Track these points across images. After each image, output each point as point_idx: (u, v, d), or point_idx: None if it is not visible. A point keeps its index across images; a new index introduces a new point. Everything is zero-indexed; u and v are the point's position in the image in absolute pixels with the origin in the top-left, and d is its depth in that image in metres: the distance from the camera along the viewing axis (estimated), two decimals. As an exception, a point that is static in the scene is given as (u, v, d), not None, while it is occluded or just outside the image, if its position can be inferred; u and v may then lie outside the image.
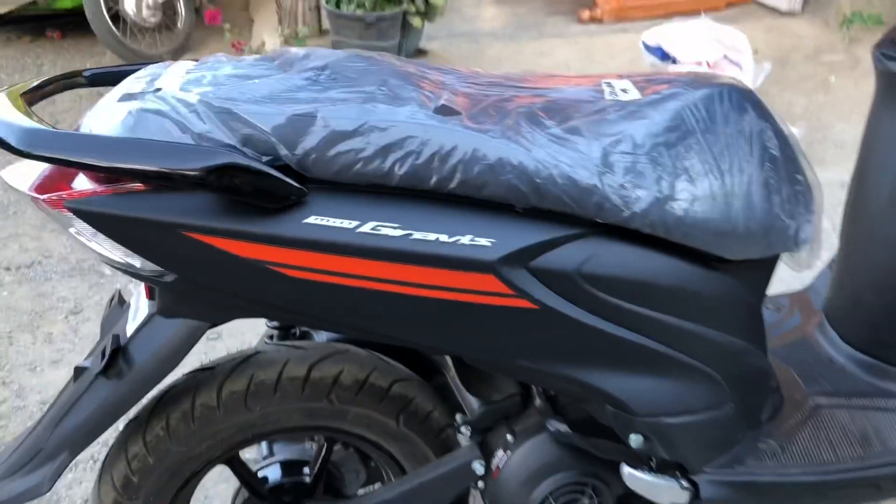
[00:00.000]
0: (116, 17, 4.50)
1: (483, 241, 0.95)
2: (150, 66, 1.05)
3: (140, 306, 1.09)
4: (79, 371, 1.06)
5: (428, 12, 3.95)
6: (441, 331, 1.04)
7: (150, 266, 0.94)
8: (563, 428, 1.19)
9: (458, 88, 1.04)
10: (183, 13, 4.81)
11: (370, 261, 0.94)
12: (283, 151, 0.90)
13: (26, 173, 0.95)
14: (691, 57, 3.60)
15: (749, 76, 3.68)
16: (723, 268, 1.09)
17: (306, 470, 1.31)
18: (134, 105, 0.92)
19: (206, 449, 1.15)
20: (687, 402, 1.14)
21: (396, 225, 0.93)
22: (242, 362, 1.15)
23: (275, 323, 1.34)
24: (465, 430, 1.26)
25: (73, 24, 4.83)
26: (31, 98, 1.00)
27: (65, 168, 0.94)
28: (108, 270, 2.74)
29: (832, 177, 2.89)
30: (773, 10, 4.99)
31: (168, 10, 4.77)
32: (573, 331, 1.03)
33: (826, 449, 1.28)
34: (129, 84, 0.99)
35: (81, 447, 1.06)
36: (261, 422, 1.15)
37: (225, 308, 1.04)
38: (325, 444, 1.28)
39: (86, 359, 1.08)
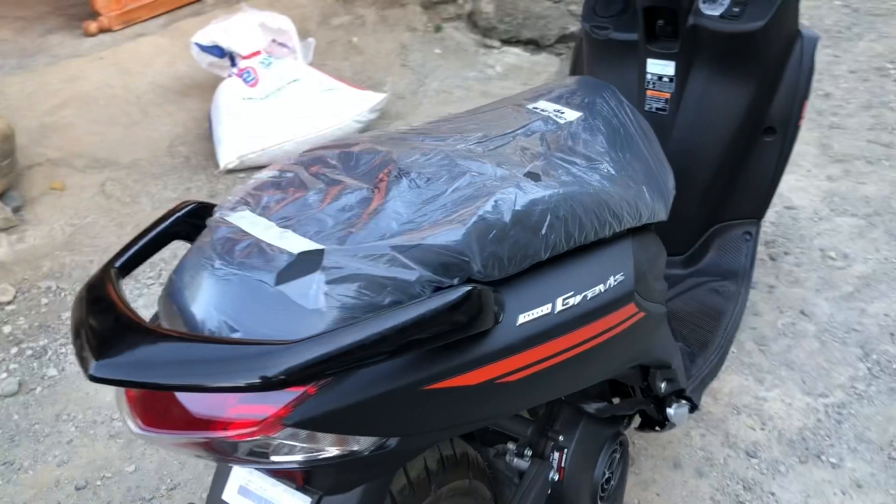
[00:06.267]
0: None
1: (620, 277, 1.09)
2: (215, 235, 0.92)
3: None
4: None
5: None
6: (601, 369, 1.16)
7: (369, 442, 0.87)
8: (601, 404, 1.36)
9: (477, 149, 1.09)
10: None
11: (566, 335, 1.00)
12: (477, 267, 0.88)
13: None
14: (247, 48, 3.61)
15: (300, 54, 3.84)
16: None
17: None
18: (320, 280, 0.81)
19: None
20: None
21: (572, 292, 1.00)
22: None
23: None
24: (528, 452, 1.34)
25: None
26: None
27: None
28: None
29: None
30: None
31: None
32: (656, 322, 1.23)
33: (703, 331, 1.65)
34: (252, 252, 0.86)
35: None
36: None
37: (415, 451, 1.01)
38: None
39: None
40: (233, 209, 0.95)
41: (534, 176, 1.03)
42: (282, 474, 0.95)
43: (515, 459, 1.35)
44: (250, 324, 0.80)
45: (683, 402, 1.53)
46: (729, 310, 1.80)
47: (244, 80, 3.42)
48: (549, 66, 4.24)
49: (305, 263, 0.83)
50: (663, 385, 1.41)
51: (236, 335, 0.80)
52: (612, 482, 1.47)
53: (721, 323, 1.76)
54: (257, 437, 0.78)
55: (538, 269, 0.99)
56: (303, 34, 3.96)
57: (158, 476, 1.97)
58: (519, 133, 1.16)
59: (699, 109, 1.79)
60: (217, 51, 3.57)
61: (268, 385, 0.69)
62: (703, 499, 1.86)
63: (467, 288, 0.83)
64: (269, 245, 0.86)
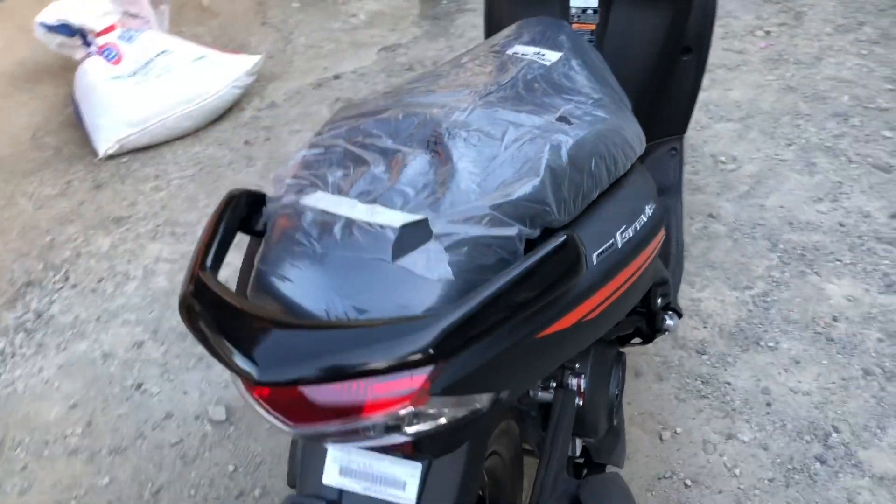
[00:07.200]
0: None
1: (652, 204, 1.15)
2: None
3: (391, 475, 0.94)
4: None
5: None
6: (640, 292, 1.22)
7: (487, 398, 0.88)
8: None
9: (492, 99, 1.09)
10: None
11: (628, 266, 1.06)
12: (554, 214, 0.92)
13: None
14: (100, 23, 3.35)
15: (154, 23, 3.62)
16: None
17: None
18: (438, 248, 0.82)
19: None
20: None
21: (625, 225, 1.06)
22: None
23: None
24: (552, 384, 1.37)
25: None
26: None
27: None
28: None
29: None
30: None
31: None
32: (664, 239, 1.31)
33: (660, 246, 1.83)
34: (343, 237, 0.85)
35: None
36: None
37: (514, 401, 1.01)
38: None
39: None
40: (301, 191, 0.93)
41: (565, 119, 1.06)
42: (387, 447, 0.95)
43: (540, 393, 1.41)
44: (376, 303, 0.80)
45: (671, 312, 1.65)
46: (673, 223, 1.92)
47: (106, 58, 3.18)
48: (412, 10, 4.21)
49: (415, 235, 0.82)
50: (659, 300, 1.51)
51: (365, 317, 0.79)
52: (619, 397, 1.56)
53: (671, 236, 1.88)
54: (409, 411, 0.79)
55: (592, 210, 1.03)
56: (153, 1, 3.72)
57: (137, 482, 1.89)
58: (518, 80, 1.18)
59: (623, 38, 1.86)
60: (66, 29, 3.29)
61: (441, 355, 0.70)
62: (669, 399, 2.01)
63: (562, 237, 0.85)
64: (364, 223, 0.85)
